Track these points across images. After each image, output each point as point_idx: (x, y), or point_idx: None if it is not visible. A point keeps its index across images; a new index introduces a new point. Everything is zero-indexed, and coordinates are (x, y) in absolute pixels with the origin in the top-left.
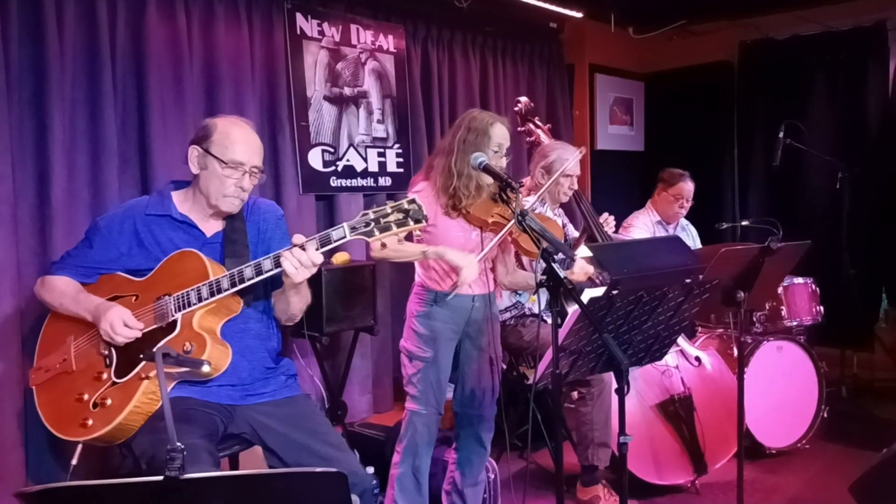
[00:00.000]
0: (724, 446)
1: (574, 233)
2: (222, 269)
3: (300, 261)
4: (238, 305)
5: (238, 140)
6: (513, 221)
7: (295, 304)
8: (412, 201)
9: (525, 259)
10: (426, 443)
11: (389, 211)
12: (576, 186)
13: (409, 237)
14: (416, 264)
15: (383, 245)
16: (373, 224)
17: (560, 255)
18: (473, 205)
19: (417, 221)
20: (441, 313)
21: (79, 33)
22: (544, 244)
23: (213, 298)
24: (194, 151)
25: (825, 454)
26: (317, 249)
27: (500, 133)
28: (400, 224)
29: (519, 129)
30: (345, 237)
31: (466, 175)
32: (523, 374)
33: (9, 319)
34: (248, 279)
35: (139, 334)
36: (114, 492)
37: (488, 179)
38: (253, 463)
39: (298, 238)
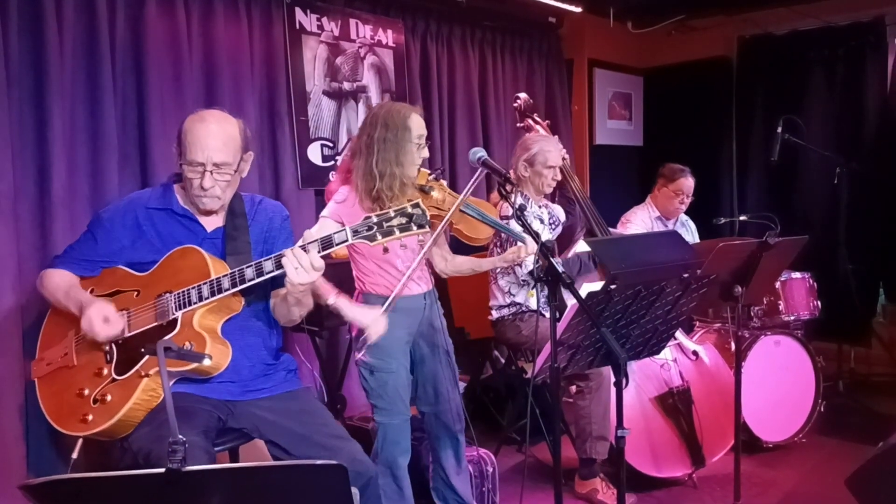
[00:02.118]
0: (721, 440)
1: (562, 216)
2: (224, 266)
3: (300, 262)
4: (239, 304)
5: (196, 138)
6: (451, 212)
7: (295, 311)
8: (416, 205)
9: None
10: (402, 450)
11: (393, 215)
12: (559, 177)
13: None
14: (353, 270)
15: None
16: (375, 228)
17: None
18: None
19: (421, 227)
20: (395, 319)
21: (78, 28)
22: (544, 238)
23: (214, 298)
24: (175, 150)
25: (822, 448)
26: (318, 252)
27: (418, 124)
28: (403, 228)
29: (518, 125)
30: (347, 240)
31: (389, 175)
32: (522, 369)
33: (10, 314)
34: (249, 280)
35: (118, 331)
36: (117, 484)
37: (411, 172)
38: (253, 456)
39: (304, 238)
